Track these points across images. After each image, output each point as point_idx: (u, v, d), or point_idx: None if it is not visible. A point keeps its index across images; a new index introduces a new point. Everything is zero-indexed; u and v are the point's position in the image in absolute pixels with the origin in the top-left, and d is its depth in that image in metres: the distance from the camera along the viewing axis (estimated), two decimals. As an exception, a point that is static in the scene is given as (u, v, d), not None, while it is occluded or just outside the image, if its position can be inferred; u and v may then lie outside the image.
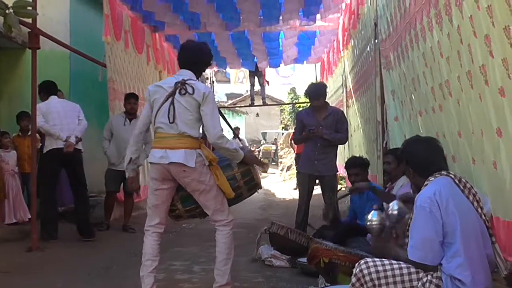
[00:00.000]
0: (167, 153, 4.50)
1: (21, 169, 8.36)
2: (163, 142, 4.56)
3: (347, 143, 8.50)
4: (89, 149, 8.50)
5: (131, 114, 8.45)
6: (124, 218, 8.55)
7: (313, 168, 7.13)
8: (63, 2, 9.73)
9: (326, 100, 7.40)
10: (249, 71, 17.82)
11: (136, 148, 4.81)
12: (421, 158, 3.47)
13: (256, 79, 17.71)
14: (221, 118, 4.83)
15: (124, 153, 8.19)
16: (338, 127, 7.08)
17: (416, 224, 3.25)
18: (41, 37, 7.14)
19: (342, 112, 7.65)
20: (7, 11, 5.54)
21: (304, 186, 7.33)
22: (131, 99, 8.49)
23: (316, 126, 7.09)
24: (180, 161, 4.46)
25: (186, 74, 4.67)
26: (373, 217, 3.80)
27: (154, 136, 4.74)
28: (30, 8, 5.87)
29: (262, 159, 23.90)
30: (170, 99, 4.53)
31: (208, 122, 4.51)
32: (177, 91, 4.54)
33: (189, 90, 4.51)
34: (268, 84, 18.47)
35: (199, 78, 4.84)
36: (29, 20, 6.61)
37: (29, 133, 7.71)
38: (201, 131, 4.67)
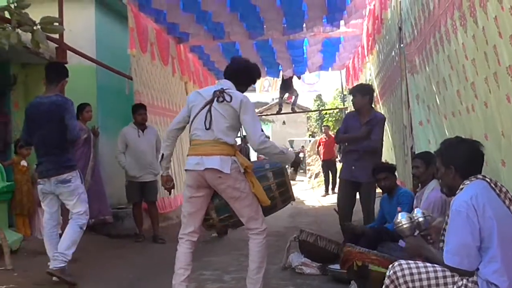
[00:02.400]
0: (203, 159, 4.54)
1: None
2: (199, 149, 4.61)
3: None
4: (115, 161, 8.56)
5: (142, 124, 8.53)
6: (153, 228, 8.59)
7: (350, 174, 7.10)
8: (89, 17, 9.85)
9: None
10: (280, 88, 17.96)
11: (168, 144, 4.88)
12: (466, 158, 3.43)
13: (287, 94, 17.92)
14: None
15: (144, 163, 8.32)
16: (373, 132, 6.96)
17: (452, 228, 3.21)
18: (68, 51, 7.24)
19: (383, 118, 7.47)
20: (34, 27, 5.65)
21: (341, 191, 7.38)
22: (141, 110, 8.58)
23: (356, 128, 7.06)
24: (215, 167, 4.49)
25: (226, 84, 4.73)
26: (402, 218, 3.78)
27: (190, 144, 4.77)
28: (56, 23, 5.96)
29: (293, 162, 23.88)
30: (207, 107, 4.59)
31: (250, 129, 4.55)
32: (215, 99, 4.58)
33: (227, 98, 4.56)
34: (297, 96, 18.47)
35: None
36: (56, 36, 6.71)
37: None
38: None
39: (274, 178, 4.82)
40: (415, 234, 3.75)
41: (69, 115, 5.86)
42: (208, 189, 4.65)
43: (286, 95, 18.29)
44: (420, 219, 3.80)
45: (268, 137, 4.78)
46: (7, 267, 6.03)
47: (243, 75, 4.87)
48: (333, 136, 15.94)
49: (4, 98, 8.37)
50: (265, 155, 4.68)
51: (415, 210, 3.97)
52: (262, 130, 4.74)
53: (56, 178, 5.77)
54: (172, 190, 5.18)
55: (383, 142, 7.46)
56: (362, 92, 7.16)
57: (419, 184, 5.50)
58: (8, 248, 5.58)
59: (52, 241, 5.85)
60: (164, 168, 4.94)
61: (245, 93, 4.79)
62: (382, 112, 10.62)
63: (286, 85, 17.61)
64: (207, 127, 4.55)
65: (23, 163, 7.84)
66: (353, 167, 7.06)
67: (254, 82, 5.13)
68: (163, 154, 4.88)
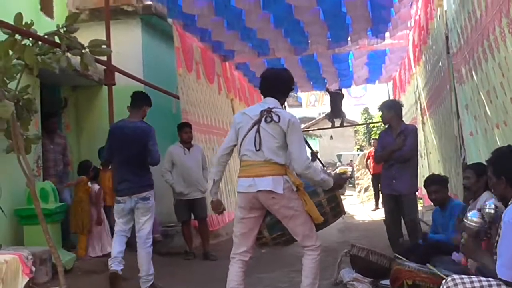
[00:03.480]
0: (255, 181, 4.52)
1: (103, 202, 8.57)
2: (250, 170, 4.59)
3: (426, 161, 8.39)
4: (163, 180, 8.63)
5: (187, 143, 8.60)
6: (203, 246, 8.63)
7: (391, 187, 7.12)
8: (135, 38, 10.02)
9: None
10: (330, 111, 18.08)
11: (218, 170, 4.86)
12: None
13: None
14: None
15: (191, 181, 8.40)
16: (405, 142, 7.09)
17: (505, 241, 3.12)
18: (116, 73, 7.37)
19: (414, 128, 7.62)
20: (83, 51, 5.78)
21: (386, 206, 7.49)
22: (186, 128, 8.66)
23: (391, 143, 7.17)
24: (268, 188, 4.47)
25: (271, 102, 4.71)
26: (473, 217, 3.73)
27: (240, 165, 4.77)
28: (104, 46, 6.09)
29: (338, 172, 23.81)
30: (255, 127, 4.58)
31: (295, 151, 4.52)
32: (263, 119, 4.57)
33: (275, 118, 4.54)
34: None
35: (283, 105, 4.89)
36: (104, 58, 6.83)
37: (110, 167, 7.90)
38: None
39: (325, 194, 4.81)
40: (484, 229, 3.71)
41: (152, 141, 6.42)
42: (261, 209, 4.64)
43: (337, 120, 18.51)
44: (491, 211, 3.75)
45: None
46: (61, 286, 6.11)
47: (281, 87, 4.86)
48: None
49: (56, 121, 8.56)
50: (307, 180, 4.64)
51: (487, 202, 3.90)
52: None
53: (137, 196, 6.30)
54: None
55: (419, 152, 7.50)
56: (388, 107, 7.40)
57: (471, 196, 5.40)
58: (62, 267, 5.66)
59: (120, 244, 6.30)
60: (214, 193, 4.92)
61: (292, 108, 4.79)
62: (430, 124, 10.50)
63: (335, 103, 17.62)
64: (257, 148, 4.53)
65: (95, 187, 8.08)
66: (393, 181, 7.10)
67: (292, 90, 5.17)
68: (214, 180, 4.86)
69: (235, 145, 4.78)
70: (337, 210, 4.92)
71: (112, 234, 6.86)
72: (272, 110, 4.59)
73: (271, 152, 4.52)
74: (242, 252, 4.71)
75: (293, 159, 4.56)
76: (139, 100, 6.72)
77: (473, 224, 3.72)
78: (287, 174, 4.55)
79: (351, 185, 28.25)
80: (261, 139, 4.53)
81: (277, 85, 4.83)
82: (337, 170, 32.23)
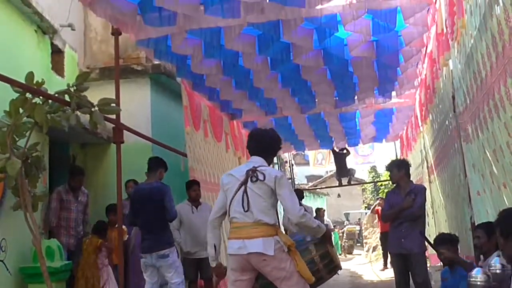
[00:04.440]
0: (245, 243, 4.51)
1: (109, 261, 8.50)
2: (240, 232, 4.58)
3: (433, 220, 8.35)
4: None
5: (195, 201, 8.58)
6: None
7: (400, 246, 7.07)
8: (144, 97, 10.14)
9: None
10: (336, 169, 18.13)
11: (213, 234, 4.85)
12: None
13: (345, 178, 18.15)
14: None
15: (199, 240, 8.42)
16: (415, 200, 7.09)
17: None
18: (124, 130, 7.43)
19: (423, 188, 7.65)
20: (92, 109, 5.86)
21: (395, 266, 7.38)
22: (194, 186, 8.65)
23: (400, 203, 7.16)
24: (259, 250, 4.45)
25: (257, 161, 4.74)
26: (477, 274, 3.68)
27: (230, 227, 4.76)
28: (113, 104, 6.18)
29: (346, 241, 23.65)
30: (242, 188, 4.58)
31: (288, 204, 4.53)
32: (249, 178, 4.59)
33: (260, 176, 4.56)
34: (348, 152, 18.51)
35: (273, 163, 4.94)
36: (113, 116, 6.91)
37: (116, 225, 7.89)
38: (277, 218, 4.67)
39: (317, 250, 4.80)
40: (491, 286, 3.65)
41: (168, 198, 6.93)
42: (253, 271, 4.61)
43: (345, 179, 18.52)
44: (498, 271, 3.69)
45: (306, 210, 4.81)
46: None
47: (268, 147, 4.90)
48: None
49: (83, 178, 8.56)
50: (304, 228, 4.64)
51: (493, 260, 3.85)
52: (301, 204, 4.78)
53: (157, 253, 6.75)
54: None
55: (427, 211, 7.47)
56: (398, 166, 7.46)
57: (481, 255, 5.33)
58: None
59: None
60: (214, 258, 4.89)
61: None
62: (437, 182, 10.47)
63: (340, 162, 17.69)
64: (246, 209, 4.54)
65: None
66: (402, 240, 7.05)
67: (279, 149, 5.19)
68: (214, 244, 4.83)
69: (226, 208, 4.78)
70: (331, 266, 4.89)
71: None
72: (257, 169, 4.61)
73: (260, 212, 4.51)
74: None
75: (287, 211, 4.61)
76: (155, 164, 7.31)
77: (478, 281, 3.66)
78: (278, 235, 4.53)
79: (359, 244, 28.00)
80: (249, 200, 4.54)
81: (264, 144, 4.88)
82: (345, 229, 32.04)
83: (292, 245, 4.56)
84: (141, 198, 6.97)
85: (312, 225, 4.61)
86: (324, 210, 22.97)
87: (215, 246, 4.82)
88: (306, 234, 4.80)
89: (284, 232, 4.91)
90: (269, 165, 4.83)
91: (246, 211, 4.53)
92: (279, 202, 4.70)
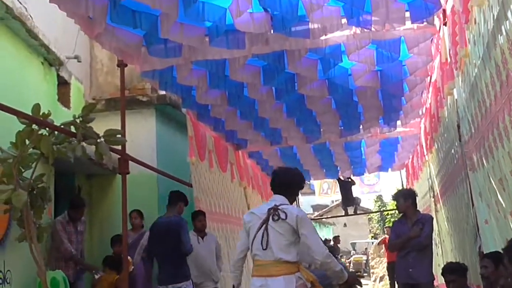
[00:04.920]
0: (267, 281, 4.55)
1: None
2: (262, 270, 4.62)
3: (440, 249, 8.31)
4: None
5: (201, 231, 8.55)
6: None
7: (408, 276, 7.03)
8: (149, 127, 10.18)
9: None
10: (342, 198, 18.11)
11: (236, 274, 4.97)
12: None
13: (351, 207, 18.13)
14: None
15: (205, 270, 8.41)
16: (423, 229, 7.09)
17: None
18: (130, 161, 7.43)
19: (430, 217, 7.61)
20: (98, 140, 5.88)
21: None
22: (200, 216, 8.63)
23: (406, 233, 7.18)
24: None
25: (279, 199, 4.77)
26: None
27: (253, 264, 4.80)
28: (119, 135, 6.20)
29: (352, 271, 23.43)
30: (264, 226, 4.61)
31: (313, 243, 4.55)
32: (270, 217, 4.61)
33: (282, 215, 4.59)
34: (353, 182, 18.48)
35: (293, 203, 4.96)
36: (119, 147, 6.93)
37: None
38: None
39: (339, 286, 4.80)
40: None
41: (184, 231, 7.16)
42: None
43: (350, 208, 18.50)
44: None
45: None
46: None
47: (291, 185, 4.93)
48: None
49: (84, 210, 8.54)
50: (327, 270, 4.63)
51: None
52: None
53: (173, 286, 6.95)
54: None
55: (434, 241, 7.44)
56: (404, 196, 7.49)
57: (489, 285, 5.29)
58: None
59: None
60: None
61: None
62: (443, 211, 10.43)
63: (346, 191, 17.68)
64: (264, 247, 4.58)
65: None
66: (410, 270, 7.03)
67: (302, 188, 5.22)
68: (233, 286, 4.98)
69: (248, 247, 4.82)
70: None
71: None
72: (279, 207, 4.64)
73: (280, 250, 4.54)
74: None
75: (313, 251, 4.56)
76: (175, 198, 7.60)
77: None
78: (299, 271, 4.54)
79: (366, 274, 27.78)
80: (268, 238, 4.58)
81: (287, 183, 4.92)
82: (352, 259, 31.84)
83: (315, 281, 4.57)
84: (159, 231, 7.20)
85: (335, 268, 4.62)
86: (339, 237, 22.85)
87: (234, 286, 4.95)
88: (328, 276, 4.79)
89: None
90: (291, 203, 4.84)
91: (265, 249, 4.56)
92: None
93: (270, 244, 4.54)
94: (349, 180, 17.40)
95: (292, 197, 4.88)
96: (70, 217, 7.77)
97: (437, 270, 9.47)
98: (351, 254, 35.34)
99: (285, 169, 5.18)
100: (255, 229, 4.67)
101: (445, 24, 6.70)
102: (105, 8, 5.46)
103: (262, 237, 4.58)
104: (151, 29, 6.09)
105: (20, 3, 7.23)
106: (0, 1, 6.62)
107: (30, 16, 7.47)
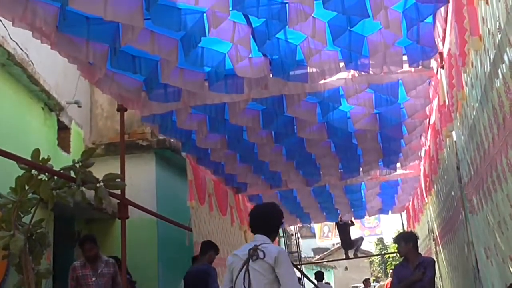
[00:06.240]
0: None
1: None
2: None
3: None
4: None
5: None
6: None
7: None
8: (149, 172, 10.18)
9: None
10: (341, 242, 18.07)
11: None
12: None
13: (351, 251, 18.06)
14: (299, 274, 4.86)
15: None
16: (425, 273, 7.03)
17: None
18: (129, 206, 7.42)
19: (432, 260, 7.55)
20: (97, 185, 5.88)
21: None
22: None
23: (408, 276, 7.08)
24: None
25: (260, 239, 4.80)
26: None
27: None
28: (118, 179, 6.21)
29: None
30: (245, 267, 4.63)
31: (287, 282, 4.54)
32: (250, 258, 4.64)
33: (260, 255, 4.61)
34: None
35: (278, 236, 4.96)
36: (118, 191, 6.92)
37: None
38: None
39: None
40: None
41: (212, 279, 7.46)
42: None
43: (351, 251, 18.41)
44: None
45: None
46: None
47: (269, 222, 4.95)
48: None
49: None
50: None
51: None
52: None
53: None
54: None
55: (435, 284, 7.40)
56: (405, 239, 7.40)
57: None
58: None
59: None
60: None
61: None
62: (443, 254, 10.36)
63: (345, 234, 17.62)
64: (246, 287, 4.56)
65: None
66: None
67: (282, 222, 5.19)
68: None
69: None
70: None
71: None
72: (259, 247, 4.64)
73: None
74: None
75: None
76: (206, 247, 8.00)
77: None
78: None
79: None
80: (250, 279, 4.58)
81: (265, 221, 4.93)
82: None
83: None
84: (190, 279, 7.59)
85: None
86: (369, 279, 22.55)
87: None
88: None
89: None
90: (273, 240, 4.86)
91: None
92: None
93: (252, 285, 4.55)
94: (349, 222, 17.32)
95: (273, 235, 4.90)
96: (86, 258, 7.30)
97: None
98: (353, 298, 34.96)
99: (260, 208, 5.21)
100: (237, 270, 4.69)
101: (442, 67, 6.76)
102: (105, 54, 5.52)
103: (244, 278, 4.59)
104: (151, 74, 6.15)
105: (22, 49, 7.33)
106: (2, 47, 6.71)
107: (31, 62, 7.56)
